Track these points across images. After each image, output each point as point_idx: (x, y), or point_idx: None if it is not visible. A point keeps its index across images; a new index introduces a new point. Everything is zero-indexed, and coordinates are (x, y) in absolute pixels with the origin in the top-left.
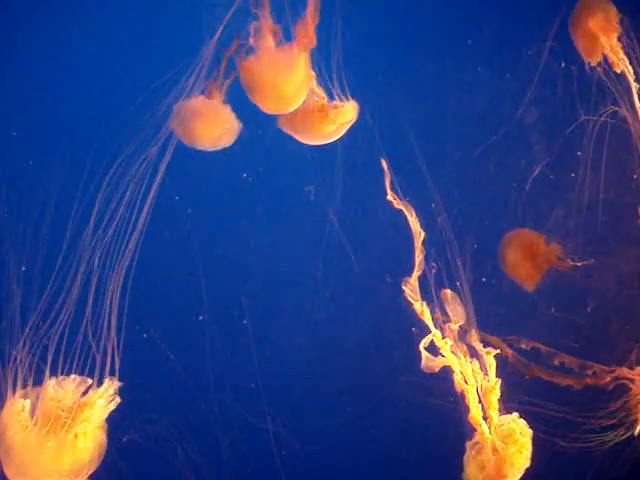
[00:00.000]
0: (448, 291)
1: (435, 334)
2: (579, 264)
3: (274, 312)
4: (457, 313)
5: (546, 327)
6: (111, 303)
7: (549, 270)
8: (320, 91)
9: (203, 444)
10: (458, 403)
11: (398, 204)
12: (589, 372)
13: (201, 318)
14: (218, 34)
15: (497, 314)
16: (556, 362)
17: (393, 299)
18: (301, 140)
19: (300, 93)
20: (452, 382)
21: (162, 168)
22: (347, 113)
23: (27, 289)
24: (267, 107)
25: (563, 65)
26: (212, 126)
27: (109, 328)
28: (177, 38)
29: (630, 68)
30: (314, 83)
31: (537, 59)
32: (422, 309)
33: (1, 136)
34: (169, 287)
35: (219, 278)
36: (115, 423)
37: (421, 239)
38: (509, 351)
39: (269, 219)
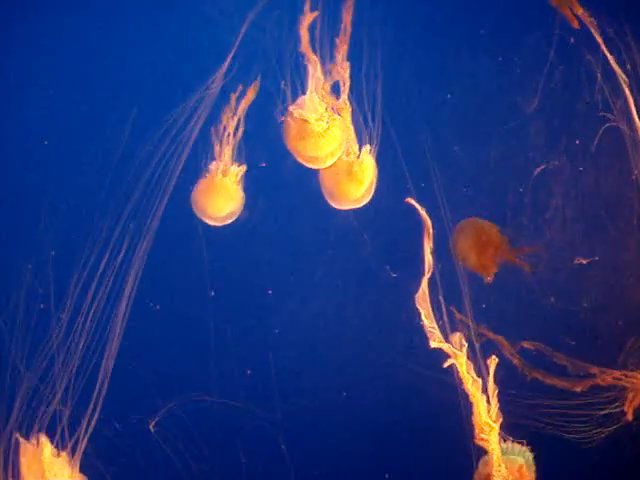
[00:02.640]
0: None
1: (458, 359)
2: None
3: (277, 301)
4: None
5: (545, 323)
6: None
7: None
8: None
9: (200, 431)
10: (458, 392)
11: (420, 210)
12: (588, 374)
13: (213, 294)
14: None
15: (499, 311)
16: (557, 362)
17: (396, 290)
18: (335, 205)
19: (334, 155)
20: (452, 371)
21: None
22: (369, 166)
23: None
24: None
25: (573, 41)
26: (223, 206)
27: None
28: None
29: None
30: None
31: (544, 49)
32: (440, 341)
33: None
34: (178, 274)
35: (225, 265)
36: (114, 405)
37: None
38: (517, 358)
39: (277, 207)
